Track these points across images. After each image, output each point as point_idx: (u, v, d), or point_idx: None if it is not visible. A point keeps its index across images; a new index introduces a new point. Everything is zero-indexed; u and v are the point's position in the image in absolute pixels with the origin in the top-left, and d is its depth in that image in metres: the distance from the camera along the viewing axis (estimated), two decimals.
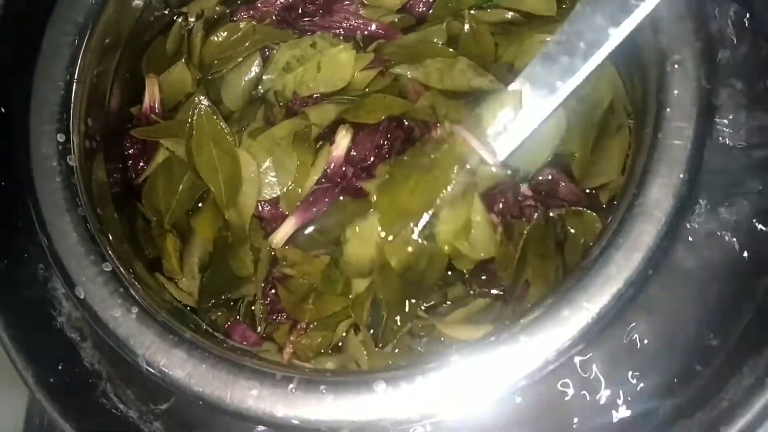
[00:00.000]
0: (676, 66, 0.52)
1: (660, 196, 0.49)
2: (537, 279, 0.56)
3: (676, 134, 0.50)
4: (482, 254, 0.56)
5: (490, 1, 0.65)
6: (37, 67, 0.56)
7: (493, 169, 0.55)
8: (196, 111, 0.59)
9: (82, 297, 0.51)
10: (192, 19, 0.66)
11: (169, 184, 0.62)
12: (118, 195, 0.61)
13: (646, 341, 0.53)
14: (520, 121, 0.55)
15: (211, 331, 0.57)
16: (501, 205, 0.58)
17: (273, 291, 0.59)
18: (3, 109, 0.59)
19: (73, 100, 0.56)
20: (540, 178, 0.60)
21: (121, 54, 0.62)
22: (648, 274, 0.49)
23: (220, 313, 0.60)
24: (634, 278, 0.48)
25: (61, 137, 0.54)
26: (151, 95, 0.64)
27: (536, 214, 0.58)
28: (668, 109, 0.51)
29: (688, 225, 0.53)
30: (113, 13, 0.59)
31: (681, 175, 0.50)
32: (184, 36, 0.66)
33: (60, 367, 0.56)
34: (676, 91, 0.51)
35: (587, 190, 0.61)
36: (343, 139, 0.59)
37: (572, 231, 0.59)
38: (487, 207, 0.56)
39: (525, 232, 0.56)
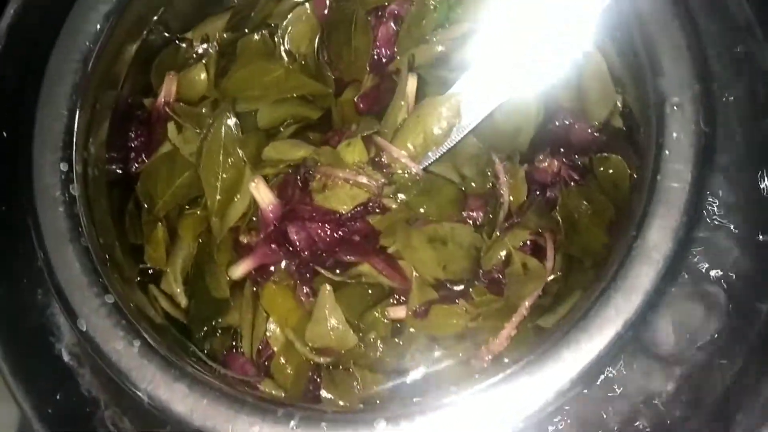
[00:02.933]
0: (675, 108, 0.52)
1: (658, 238, 0.49)
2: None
3: (675, 176, 0.51)
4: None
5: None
6: (40, 93, 0.55)
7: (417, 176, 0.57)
8: (220, 118, 0.59)
9: (84, 330, 0.51)
10: (197, 44, 0.66)
11: (168, 175, 0.62)
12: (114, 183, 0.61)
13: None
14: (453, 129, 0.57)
15: (209, 362, 0.56)
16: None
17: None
18: (5, 134, 0.59)
19: (76, 128, 0.55)
20: (556, 123, 0.61)
21: (124, 80, 0.62)
22: (646, 317, 0.49)
23: (214, 341, 0.60)
24: (633, 320, 0.48)
25: (64, 166, 0.54)
26: (168, 91, 0.64)
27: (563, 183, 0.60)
28: (667, 151, 0.51)
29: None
30: (116, 39, 0.58)
31: (679, 218, 0.50)
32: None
33: (58, 397, 0.55)
34: (674, 134, 0.51)
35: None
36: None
37: (605, 178, 0.60)
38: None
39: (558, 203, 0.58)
